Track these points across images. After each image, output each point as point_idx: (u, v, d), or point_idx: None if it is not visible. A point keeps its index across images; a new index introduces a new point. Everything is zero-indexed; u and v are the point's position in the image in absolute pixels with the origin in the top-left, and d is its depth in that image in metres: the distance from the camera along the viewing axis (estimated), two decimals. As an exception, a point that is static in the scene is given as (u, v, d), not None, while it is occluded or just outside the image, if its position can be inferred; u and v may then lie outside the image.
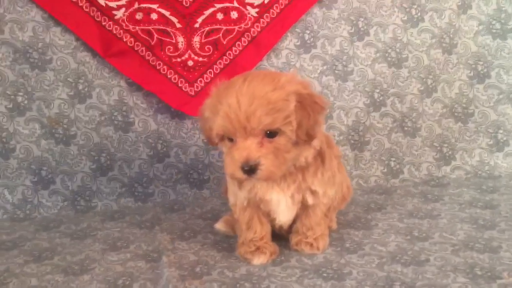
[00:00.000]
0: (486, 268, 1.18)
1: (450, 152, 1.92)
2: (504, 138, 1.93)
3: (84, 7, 1.69)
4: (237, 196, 1.28)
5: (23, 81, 1.68)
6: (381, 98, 1.89)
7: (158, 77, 1.76)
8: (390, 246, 1.32)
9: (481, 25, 1.91)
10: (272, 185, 1.22)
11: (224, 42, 1.78)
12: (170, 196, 1.81)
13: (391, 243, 1.34)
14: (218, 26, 1.77)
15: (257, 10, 1.79)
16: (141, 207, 1.76)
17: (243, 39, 1.79)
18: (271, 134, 1.11)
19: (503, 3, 1.90)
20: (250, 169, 1.10)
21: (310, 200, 1.26)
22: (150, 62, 1.75)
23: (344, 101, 1.87)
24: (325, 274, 1.19)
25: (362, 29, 1.86)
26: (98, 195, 1.77)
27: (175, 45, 1.76)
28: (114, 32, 1.72)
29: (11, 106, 1.69)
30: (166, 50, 1.76)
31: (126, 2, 1.70)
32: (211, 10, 1.76)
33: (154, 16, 1.74)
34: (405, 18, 1.87)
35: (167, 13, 1.74)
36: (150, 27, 1.74)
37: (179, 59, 1.77)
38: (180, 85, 1.78)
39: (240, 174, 1.11)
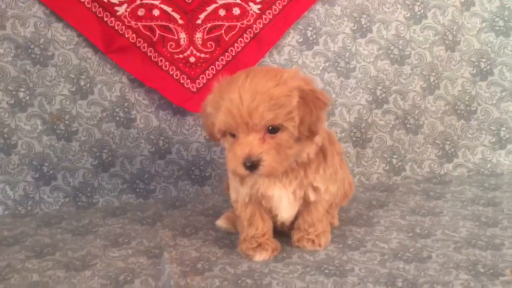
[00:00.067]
0: (488, 265, 1.17)
1: (452, 150, 1.92)
2: (507, 136, 1.92)
3: (86, 3, 1.68)
4: (238, 192, 1.27)
5: (24, 77, 1.68)
6: (383, 95, 1.89)
7: (160, 73, 1.75)
8: (392, 243, 1.32)
9: (484, 22, 1.90)
10: (274, 181, 1.22)
11: (226, 39, 1.78)
12: (171, 192, 1.81)
13: (393, 240, 1.34)
14: (220, 23, 1.77)
15: (259, 6, 1.78)
16: (142, 203, 1.76)
17: (245, 35, 1.79)
18: (273, 130, 1.11)
19: (506, 0, 1.89)
20: (252, 165, 1.09)
21: (312, 196, 1.26)
22: (152, 58, 1.75)
23: (346, 98, 1.87)
24: (327, 271, 1.19)
25: (364, 26, 1.85)
26: (100, 191, 1.77)
27: (177, 42, 1.76)
28: (116, 28, 1.72)
29: (12, 102, 1.68)
30: (168, 47, 1.76)
31: (128, -2, 1.71)
32: (213, 6, 1.76)
33: (156, 12, 1.73)
34: (408, 15, 1.86)
35: (169, 9, 1.74)
36: (152, 23, 1.73)
37: (181, 56, 1.77)
38: (182, 81, 1.78)
39: (242, 170, 1.11)
